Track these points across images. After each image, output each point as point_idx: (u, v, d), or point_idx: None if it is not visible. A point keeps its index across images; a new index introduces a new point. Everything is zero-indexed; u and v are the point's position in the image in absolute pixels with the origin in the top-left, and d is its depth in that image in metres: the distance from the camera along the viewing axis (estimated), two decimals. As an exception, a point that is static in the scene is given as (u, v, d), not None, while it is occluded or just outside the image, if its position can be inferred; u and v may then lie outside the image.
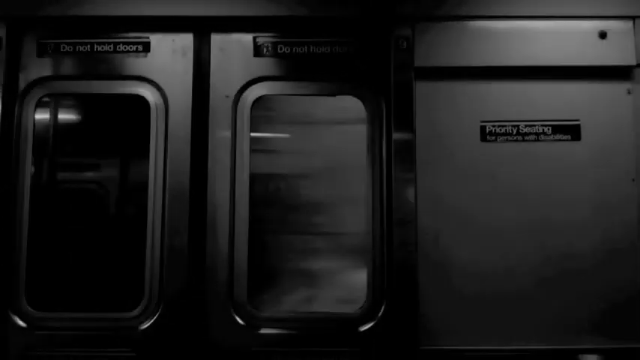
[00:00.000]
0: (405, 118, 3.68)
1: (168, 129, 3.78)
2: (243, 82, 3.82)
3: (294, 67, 3.84)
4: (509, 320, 3.60)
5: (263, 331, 3.66)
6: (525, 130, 3.70)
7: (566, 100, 3.74)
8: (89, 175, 5.30)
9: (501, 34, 3.76)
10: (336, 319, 3.73)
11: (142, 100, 3.84)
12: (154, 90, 3.81)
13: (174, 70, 3.81)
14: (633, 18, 3.74)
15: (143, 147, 3.87)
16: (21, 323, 3.69)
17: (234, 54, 3.85)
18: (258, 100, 3.85)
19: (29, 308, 3.72)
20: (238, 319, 3.66)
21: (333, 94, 3.90)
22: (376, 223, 3.73)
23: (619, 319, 3.61)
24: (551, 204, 3.66)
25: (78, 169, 5.28)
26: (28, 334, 3.68)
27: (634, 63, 3.71)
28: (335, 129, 4.07)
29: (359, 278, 3.76)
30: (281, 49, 3.85)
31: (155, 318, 3.64)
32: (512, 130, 3.70)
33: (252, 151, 3.81)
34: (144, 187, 3.88)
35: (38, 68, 3.86)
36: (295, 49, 3.85)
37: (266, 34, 3.86)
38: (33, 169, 3.86)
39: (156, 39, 3.85)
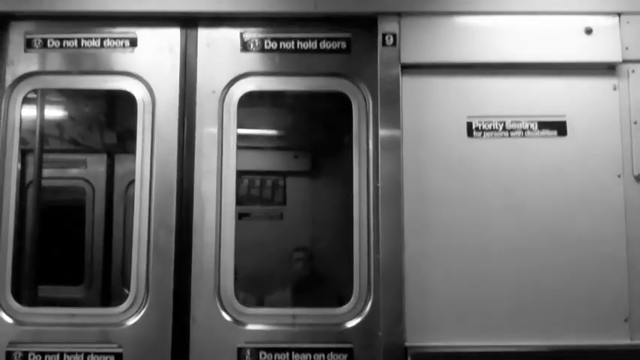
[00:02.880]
0: (391, 114, 3.68)
1: (155, 125, 3.77)
2: (230, 77, 3.82)
3: (282, 63, 3.84)
4: (496, 315, 3.61)
5: (250, 327, 3.65)
6: (512, 126, 3.70)
7: (553, 96, 3.74)
8: (75, 171, 5.33)
9: (488, 30, 3.76)
10: (323, 315, 3.73)
11: (128, 96, 3.82)
12: (141, 85, 3.80)
13: (161, 65, 3.81)
14: (619, 14, 3.75)
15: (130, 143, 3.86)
16: (7, 319, 3.67)
17: (221, 49, 3.84)
18: (245, 96, 3.84)
19: (16, 303, 3.71)
20: (225, 315, 3.65)
21: (321, 90, 3.89)
22: (362, 220, 3.73)
23: (604, 315, 3.61)
24: (538, 199, 3.67)
25: (64, 166, 5.30)
26: (14, 330, 3.65)
27: (620, 59, 3.72)
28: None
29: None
30: (268, 44, 3.84)
31: (142, 314, 3.63)
32: (498, 126, 3.70)
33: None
34: (132, 182, 3.87)
35: (25, 63, 3.84)
36: (282, 45, 3.84)
37: (253, 30, 3.85)
38: (19, 165, 3.83)
39: (143, 34, 3.84)
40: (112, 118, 5.16)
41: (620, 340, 3.60)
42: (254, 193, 5.07)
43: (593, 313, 3.62)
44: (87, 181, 5.32)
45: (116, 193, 5.25)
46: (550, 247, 3.64)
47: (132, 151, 3.84)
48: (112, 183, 5.25)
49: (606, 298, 3.63)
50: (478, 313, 3.60)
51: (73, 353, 3.59)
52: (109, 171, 5.30)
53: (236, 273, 3.73)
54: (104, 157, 5.34)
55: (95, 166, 5.34)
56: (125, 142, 5.14)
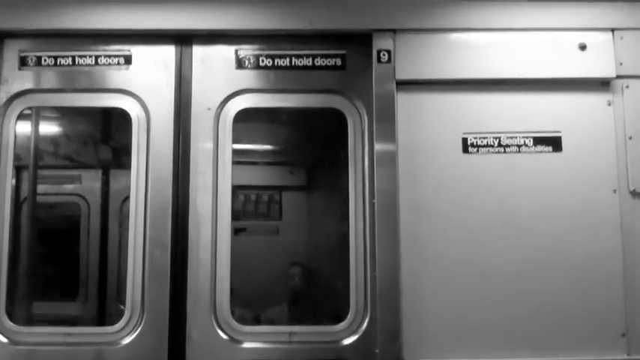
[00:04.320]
0: (387, 130, 3.68)
1: (149, 141, 3.76)
2: (226, 94, 3.81)
3: (277, 80, 3.84)
4: (493, 332, 3.60)
5: (246, 345, 3.63)
6: (507, 141, 3.71)
7: (547, 112, 3.74)
8: (70, 187, 5.31)
9: (482, 46, 3.77)
10: (320, 333, 3.72)
11: (123, 113, 3.81)
12: (136, 103, 3.80)
13: (155, 82, 3.81)
14: (612, 30, 3.76)
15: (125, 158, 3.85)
16: (1, 338, 3.64)
17: (216, 66, 3.84)
18: (241, 112, 3.84)
19: (10, 323, 3.68)
20: (221, 333, 3.63)
21: (316, 107, 3.89)
22: (358, 236, 3.72)
23: (601, 330, 3.60)
24: (533, 215, 3.67)
25: (59, 181, 5.29)
26: (9, 349, 3.62)
27: (614, 75, 3.73)
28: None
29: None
30: (263, 61, 3.84)
31: (137, 333, 3.61)
32: (493, 141, 3.71)
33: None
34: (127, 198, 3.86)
35: (20, 81, 3.83)
36: (277, 62, 3.84)
37: (248, 47, 3.85)
38: (14, 182, 3.81)
39: (137, 51, 3.84)
40: (106, 134, 5.16)
41: (618, 355, 3.59)
42: (249, 208, 5.06)
43: (590, 329, 3.61)
44: (82, 196, 5.31)
45: (111, 209, 5.24)
46: (546, 263, 3.63)
47: (126, 166, 3.83)
48: (107, 199, 5.24)
49: (603, 314, 3.62)
50: (475, 329, 3.59)
51: (69, 373, 3.59)
52: (103, 187, 5.30)
53: (231, 289, 3.72)
54: (99, 173, 5.34)
55: (90, 182, 5.33)
56: (120, 157, 5.14)
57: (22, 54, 3.84)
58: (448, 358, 3.57)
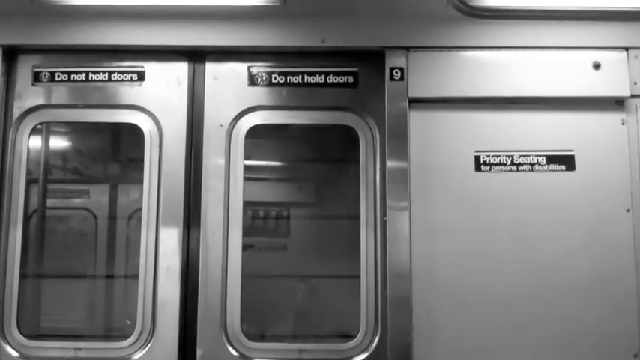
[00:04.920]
0: (399, 148, 3.68)
1: (162, 157, 3.77)
2: (238, 111, 3.83)
3: (289, 97, 3.85)
4: (504, 350, 3.58)
5: (256, 362, 3.63)
6: (520, 160, 3.70)
7: (561, 131, 3.73)
8: (80, 202, 5.31)
9: (495, 64, 3.77)
10: (329, 350, 3.71)
11: (136, 129, 3.82)
12: (149, 118, 3.81)
13: (168, 98, 3.82)
14: (627, 49, 3.76)
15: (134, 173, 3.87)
16: (12, 352, 3.65)
17: (228, 83, 3.86)
18: (252, 129, 3.85)
19: (21, 337, 3.68)
20: (231, 349, 3.62)
21: (328, 123, 3.90)
22: (369, 253, 3.71)
23: (613, 350, 3.58)
24: (546, 234, 3.65)
25: (70, 197, 5.29)
26: (20, 364, 3.64)
27: (628, 94, 3.72)
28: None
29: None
30: (275, 78, 3.85)
31: (147, 348, 3.60)
32: (506, 160, 3.69)
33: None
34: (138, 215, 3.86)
35: (33, 96, 3.86)
36: (290, 79, 3.85)
37: (260, 64, 3.87)
38: (26, 197, 3.82)
39: (150, 68, 3.85)
40: (116, 148, 5.17)
41: (631, 377, 3.57)
42: (258, 224, 5.06)
43: (602, 348, 3.59)
44: (89, 211, 5.31)
45: (119, 223, 5.24)
46: (558, 281, 3.61)
47: (136, 181, 3.85)
48: (115, 213, 5.24)
49: (615, 333, 3.60)
50: (486, 349, 3.57)
51: (78, 387, 3.58)
52: (112, 201, 5.30)
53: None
54: (107, 187, 5.34)
55: (98, 197, 5.33)
56: (129, 172, 5.14)
57: (36, 69, 3.86)
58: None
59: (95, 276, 5.18)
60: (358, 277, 3.73)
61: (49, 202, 4.85)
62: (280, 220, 5.21)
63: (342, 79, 3.84)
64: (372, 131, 3.82)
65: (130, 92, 3.84)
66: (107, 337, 4.84)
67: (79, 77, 3.85)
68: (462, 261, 3.63)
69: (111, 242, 5.19)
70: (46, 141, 4.60)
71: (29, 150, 3.87)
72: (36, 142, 4.40)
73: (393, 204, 3.64)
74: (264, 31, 3.79)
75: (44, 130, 4.53)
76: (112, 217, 5.36)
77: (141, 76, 3.84)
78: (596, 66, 3.74)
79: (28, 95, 3.84)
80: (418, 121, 3.73)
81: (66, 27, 3.80)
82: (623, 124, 3.73)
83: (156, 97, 3.82)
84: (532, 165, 3.70)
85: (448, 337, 3.58)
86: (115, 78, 3.84)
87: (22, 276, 3.76)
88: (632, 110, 3.74)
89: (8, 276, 3.71)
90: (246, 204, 3.80)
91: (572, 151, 3.71)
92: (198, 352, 3.61)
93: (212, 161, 3.77)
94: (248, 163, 3.88)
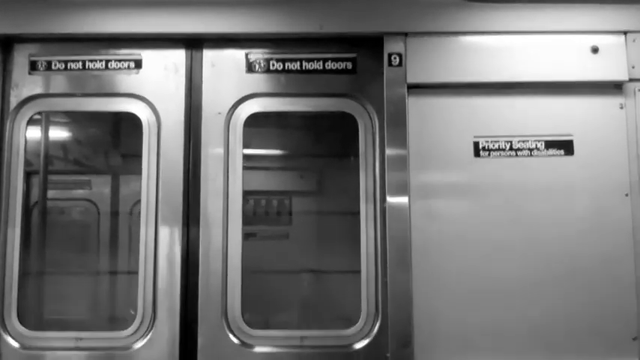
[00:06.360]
0: (398, 134, 3.67)
1: (160, 146, 3.76)
2: (236, 98, 3.81)
3: (287, 84, 3.83)
4: (504, 336, 3.58)
5: (257, 349, 3.63)
6: (518, 145, 3.69)
7: (559, 116, 3.73)
8: (82, 192, 5.32)
9: (494, 49, 3.75)
10: (331, 337, 3.71)
11: (134, 117, 3.82)
12: (146, 107, 3.80)
13: (166, 86, 3.81)
14: (625, 33, 3.74)
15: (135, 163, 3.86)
16: (13, 343, 3.65)
17: (226, 70, 3.84)
18: (251, 116, 3.84)
19: (22, 328, 3.69)
20: (232, 337, 3.63)
21: (326, 110, 3.89)
22: (369, 240, 3.71)
23: (613, 334, 3.59)
24: (545, 218, 3.65)
25: (69, 187, 5.29)
26: (20, 354, 3.64)
27: (626, 78, 3.71)
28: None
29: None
30: (273, 65, 3.84)
31: (149, 337, 3.61)
32: (505, 145, 3.69)
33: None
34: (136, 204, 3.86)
35: (30, 86, 3.84)
36: (288, 66, 3.84)
37: (258, 50, 3.85)
38: (24, 187, 3.82)
39: (148, 56, 3.84)
40: (116, 138, 5.16)
41: (629, 358, 3.58)
42: (260, 212, 5.05)
43: (601, 332, 3.59)
44: (91, 201, 5.31)
45: (121, 214, 5.24)
46: (557, 266, 3.62)
47: (136, 171, 3.83)
48: (117, 203, 5.24)
49: (615, 317, 3.60)
50: (487, 334, 3.58)
51: (79, 377, 3.59)
52: (113, 192, 5.30)
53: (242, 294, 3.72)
54: (109, 178, 5.34)
55: (100, 187, 5.33)
56: (130, 162, 5.13)
57: (32, 58, 3.85)
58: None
59: (98, 267, 5.19)
60: (358, 264, 3.73)
61: (50, 194, 4.86)
62: (281, 208, 5.20)
63: (340, 65, 3.83)
64: (370, 117, 3.81)
65: (127, 80, 3.82)
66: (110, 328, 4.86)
67: (76, 66, 3.84)
68: (462, 246, 3.63)
69: (113, 233, 5.20)
70: (46, 131, 4.60)
71: (27, 140, 3.85)
72: (35, 133, 4.40)
73: (392, 190, 3.63)
74: (262, 17, 3.78)
75: (43, 120, 4.53)
76: (114, 208, 5.36)
77: (138, 64, 3.82)
78: (595, 50, 3.72)
79: (25, 85, 3.83)
80: (417, 106, 3.72)
81: (62, 15, 3.78)
82: (621, 108, 3.72)
83: (153, 85, 3.81)
84: (531, 150, 3.69)
85: (449, 323, 3.58)
86: (112, 66, 3.83)
87: (23, 268, 3.76)
88: (630, 94, 3.72)
89: (8, 267, 3.71)
90: (246, 193, 3.79)
91: (570, 135, 3.70)
92: (200, 340, 3.61)
93: (210, 149, 3.77)
94: (247, 151, 3.86)
